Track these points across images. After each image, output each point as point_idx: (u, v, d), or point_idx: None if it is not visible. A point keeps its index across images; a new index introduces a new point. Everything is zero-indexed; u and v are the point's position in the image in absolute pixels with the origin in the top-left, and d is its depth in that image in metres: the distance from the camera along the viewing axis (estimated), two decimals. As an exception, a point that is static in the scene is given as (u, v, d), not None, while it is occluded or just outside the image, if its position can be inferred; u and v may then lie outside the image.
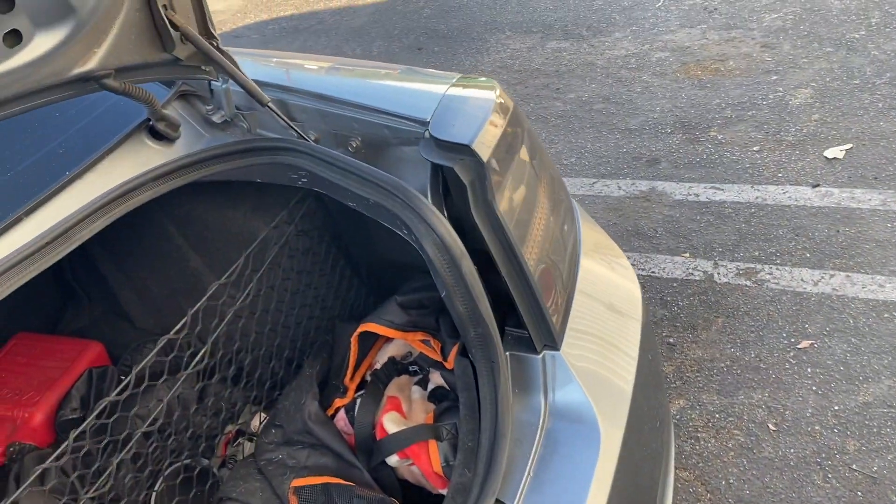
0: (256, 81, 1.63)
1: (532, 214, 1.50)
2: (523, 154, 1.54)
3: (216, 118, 1.79)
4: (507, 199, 1.41)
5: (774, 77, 4.37)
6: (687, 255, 3.31)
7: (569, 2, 5.96)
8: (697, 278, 3.18)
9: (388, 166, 1.54)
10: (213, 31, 1.59)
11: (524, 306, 1.42)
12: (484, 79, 1.65)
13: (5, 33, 1.27)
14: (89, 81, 1.43)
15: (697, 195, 3.63)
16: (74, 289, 2.40)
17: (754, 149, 3.84)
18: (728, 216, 3.47)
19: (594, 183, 3.88)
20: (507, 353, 1.41)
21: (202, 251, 1.96)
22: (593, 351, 1.57)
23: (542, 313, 1.42)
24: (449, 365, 1.52)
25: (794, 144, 3.80)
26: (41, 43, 1.32)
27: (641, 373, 1.62)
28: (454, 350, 1.51)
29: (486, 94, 1.54)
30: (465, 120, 1.42)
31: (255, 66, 1.85)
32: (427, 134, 1.43)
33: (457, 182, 1.36)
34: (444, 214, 1.40)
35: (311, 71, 1.78)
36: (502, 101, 1.54)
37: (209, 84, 1.76)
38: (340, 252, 1.94)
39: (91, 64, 1.41)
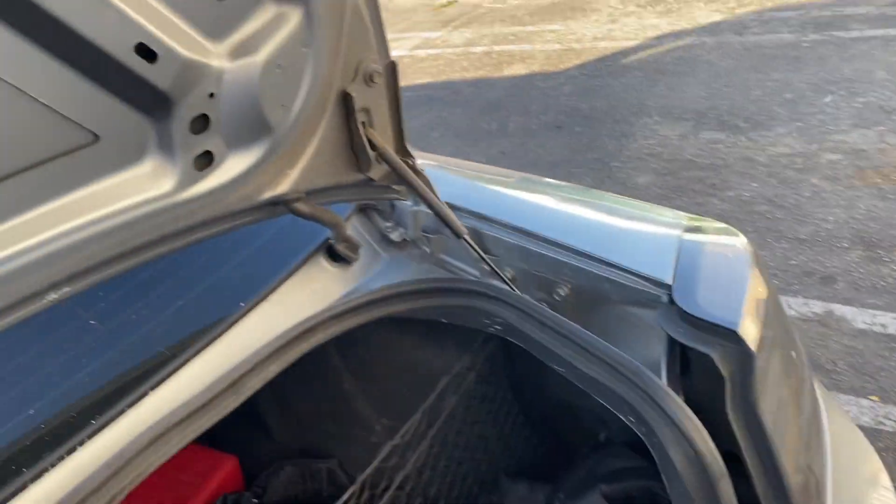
0: (446, 203, 1.43)
1: (787, 409, 1.21)
2: (778, 329, 1.25)
3: (395, 236, 1.60)
4: (768, 394, 1.12)
5: (971, 193, 3.88)
6: (875, 398, 2.87)
7: (723, 89, 5.64)
8: (890, 429, 2.74)
9: (604, 326, 1.29)
10: (408, 148, 1.41)
11: (778, 530, 1.12)
12: (719, 224, 1.38)
13: (197, 155, 1.11)
14: (279, 205, 1.26)
15: (884, 326, 3.19)
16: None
17: (953, 277, 3.37)
18: (924, 356, 3.01)
19: (759, 297, 3.49)
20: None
21: (359, 375, 1.76)
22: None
23: (802, 542, 1.11)
24: (665, 582, 1.22)
25: None
26: (233, 165, 1.16)
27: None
28: (675, 568, 1.21)
29: (735, 249, 1.27)
30: (719, 288, 1.15)
31: (438, 175, 1.66)
32: (666, 298, 1.18)
33: (707, 369, 1.09)
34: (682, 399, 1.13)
35: (508, 194, 1.57)
36: (756, 260, 1.26)
37: (392, 198, 1.58)
38: (515, 397, 1.69)
39: (283, 187, 1.24)
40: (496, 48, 8.05)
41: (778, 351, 1.24)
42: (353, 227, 1.59)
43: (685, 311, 1.11)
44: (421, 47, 8.80)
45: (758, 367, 1.06)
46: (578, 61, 7.01)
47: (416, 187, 1.33)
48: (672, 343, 1.17)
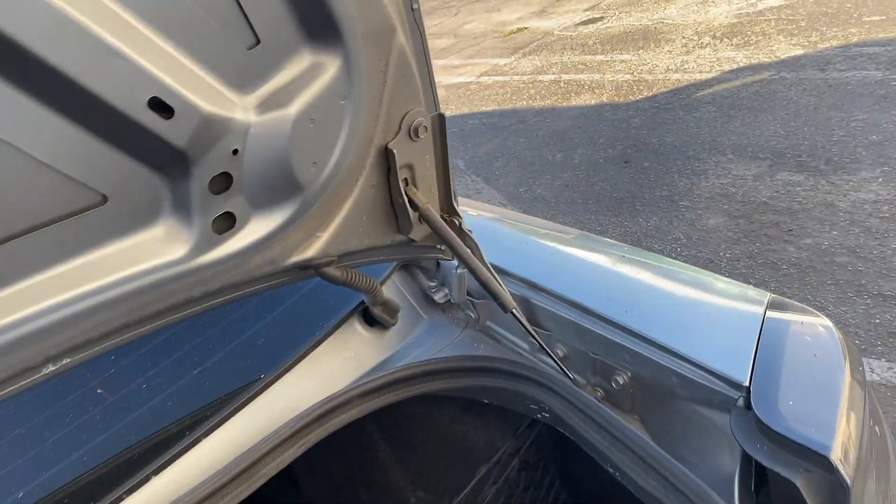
0: (495, 267, 1.29)
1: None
2: (876, 443, 1.07)
3: (438, 297, 1.47)
4: (861, 527, 0.95)
5: None
6: (971, 482, 2.58)
7: (803, 128, 5.35)
8: None
9: (667, 424, 1.13)
10: (456, 207, 1.28)
11: None
12: (804, 308, 1.20)
13: (216, 217, 1.01)
14: (307, 269, 1.15)
15: (981, 398, 2.89)
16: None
17: None
18: None
19: (837, 358, 3.22)
20: None
21: (395, 444, 1.63)
22: None
23: None
24: None
25: None
26: (257, 228, 1.05)
27: None
28: None
29: (824, 343, 1.09)
30: (807, 395, 0.98)
31: (489, 228, 1.52)
32: (741, 402, 1.01)
33: (789, 494, 0.92)
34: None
35: (563, 258, 1.42)
36: (847, 351, 1.08)
37: (437, 256, 1.45)
38: (565, 485, 1.52)
39: (311, 251, 1.12)
40: (565, 77, 7.91)
41: (872, 467, 1.05)
42: (394, 285, 1.46)
43: (764, 423, 0.94)
44: (488, 74, 8.73)
45: (853, 496, 0.89)
46: (649, 93, 6.80)
47: (461, 254, 1.20)
48: (747, 458, 1.00)
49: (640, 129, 6.12)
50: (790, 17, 7.74)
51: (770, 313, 1.15)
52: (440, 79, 8.97)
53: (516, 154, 6.30)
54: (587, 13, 10.30)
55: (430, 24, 11.63)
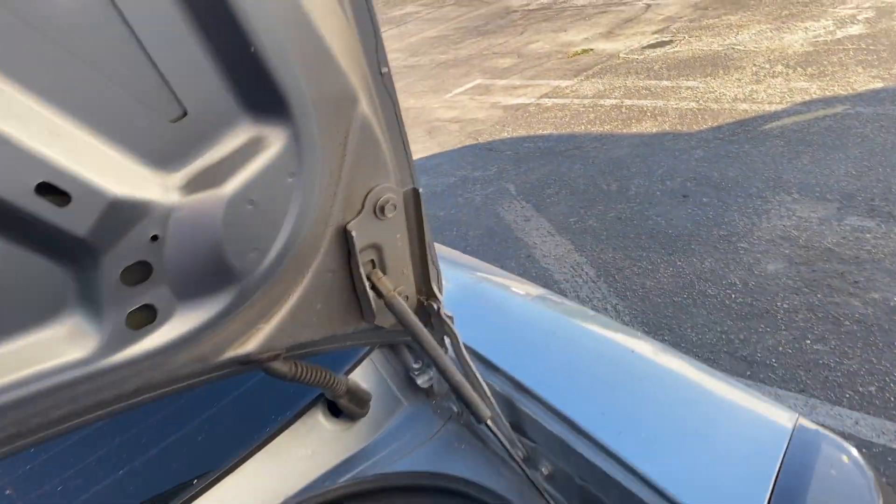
0: (480, 357, 1.12)
1: None
2: None
3: (421, 381, 1.31)
4: None
5: None
6: None
7: (877, 169, 4.99)
8: None
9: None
10: (436, 290, 1.12)
11: None
12: (834, 439, 0.99)
13: (132, 311, 0.87)
14: (249, 364, 1.01)
15: None
16: None
17: None
18: None
19: (902, 433, 2.93)
20: None
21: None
22: None
23: None
24: None
25: None
26: (182, 322, 0.90)
27: None
28: None
29: (853, 490, 0.88)
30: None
31: (496, 296, 1.35)
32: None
33: None
34: None
35: (560, 356, 1.23)
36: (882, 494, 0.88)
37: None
38: None
39: (251, 345, 0.97)
40: (627, 102, 7.65)
41: None
42: (371, 365, 1.31)
43: None
44: (549, 96, 8.53)
45: None
46: (714, 123, 6.50)
47: (430, 352, 1.04)
48: None
49: (701, 161, 5.83)
50: (871, 47, 7.31)
51: (793, 445, 0.95)
52: (499, 99, 8.82)
53: (570, 181, 6.09)
54: (655, 36, 10.00)
55: (494, 43, 11.48)
